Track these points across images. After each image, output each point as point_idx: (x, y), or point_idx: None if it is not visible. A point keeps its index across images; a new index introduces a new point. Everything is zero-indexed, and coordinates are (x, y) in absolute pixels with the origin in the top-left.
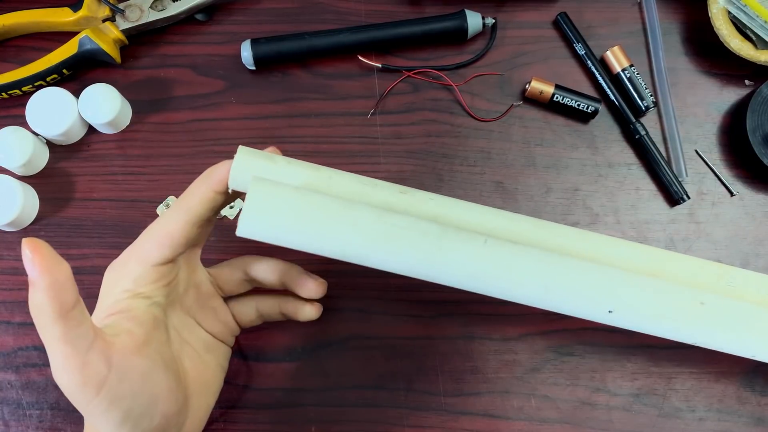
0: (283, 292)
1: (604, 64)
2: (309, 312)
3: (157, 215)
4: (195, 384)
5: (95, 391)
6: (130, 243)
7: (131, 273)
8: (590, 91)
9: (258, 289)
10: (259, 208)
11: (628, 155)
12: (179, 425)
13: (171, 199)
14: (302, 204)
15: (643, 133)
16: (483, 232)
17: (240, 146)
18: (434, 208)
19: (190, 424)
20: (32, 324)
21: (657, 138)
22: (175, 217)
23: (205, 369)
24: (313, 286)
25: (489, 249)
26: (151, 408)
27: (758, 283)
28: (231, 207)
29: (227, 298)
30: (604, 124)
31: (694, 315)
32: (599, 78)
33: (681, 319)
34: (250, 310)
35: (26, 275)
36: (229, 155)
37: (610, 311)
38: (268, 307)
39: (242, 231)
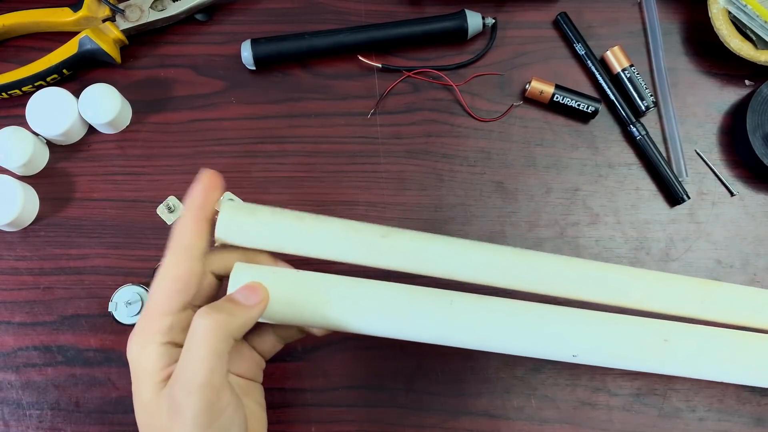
0: None
1: (604, 64)
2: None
3: (157, 215)
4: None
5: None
6: (130, 243)
7: (162, 326)
8: (590, 91)
9: None
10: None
11: (628, 155)
12: None
13: (171, 199)
14: (281, 286)
15: (643, 133)
16: (465, 270)
17: (222, 200)
18: (416, 250)
19: None
20: (32, 324)
21: (657, 138)
22: (177, 260)
23: (249, 413)
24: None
25: (455, 308)
26: None
27: (741, 298)
28: None
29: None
30: (604, 124)
31: (658, 352)
32: (599, 78)
33: (646, 356)
34: (269, 337)
35: (26, 275)
36: (230, 155)
37: (574, 355)
38: (285, 329)
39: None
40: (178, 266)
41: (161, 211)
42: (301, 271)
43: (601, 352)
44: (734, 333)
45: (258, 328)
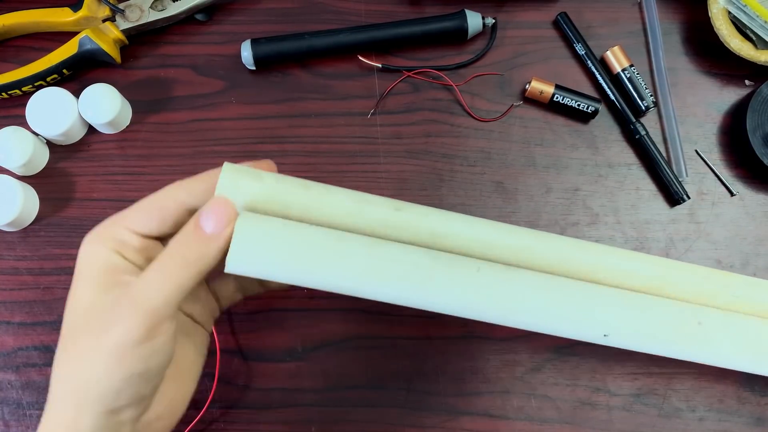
0: None
1: (604, 64)
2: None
3: None
4: (170, 368)
5: (154, 331)
6: None
7: (122, 237)
8: (590, 91)
9: None
10: (246, 245)
11: (628, 155)
12: (143, 408)
13: None
14: (291, 239)
15: (643, 133)
16: (481, 249)
17: (225, 163)
18: (431, 225)
19: (164, 411)
20: (32, 324)
21: (657, 138)
22: (172, 194)
23: (183, 353)
24: None
25: (482, 277)
26: (160, 372)
27: (763, 291)
28: None
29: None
30: (604, 124)
31: (692, 335)
32: (599, 78)
33: (679, 339)
34: (229, 284)
35: (26, 275)
36: (230, 155)
37: (605, 335)
38: (248, 280)
39: (230, 268)
40: (168, 202)
41: None
42: (313, 228)
43: (634, 333)
44: None
45: (222, 274)
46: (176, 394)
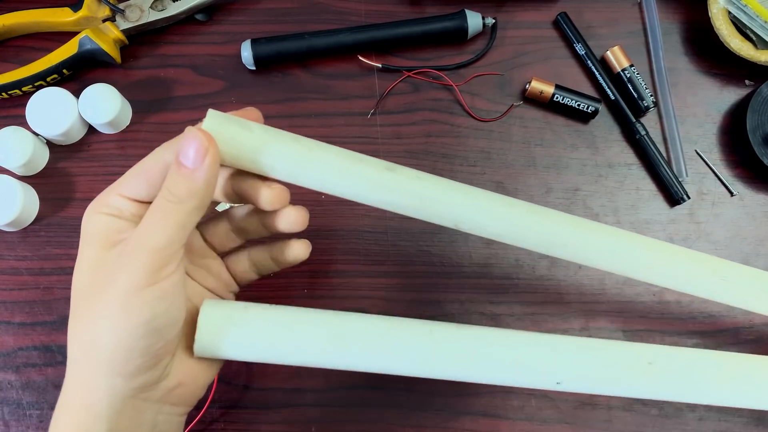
0: (273, 238)
1: (604, 64)
2: (297, 250)
3: None
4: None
5: (161, 273)
6: None
7: (117, 202)
8: (590, 91)
9: (250, 242)
10: (209, 333)
11: (628, 155)
12: (159, 372)
13: None
14: (251, 324)
15: (643, 133)
16: (470, 215)
17: (210, 110)
18: (421, 189)
19: (186, 378)
20: (32, 324)
21: (657, 138)
22: (158, 156)
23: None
24: (293, 213)
25: (435, 338)
26: (171, 326)
27: (751, 278)
28: (232, 207)
29: (222, 256)
30: (604, 124)
31: (643, 375)
32: (599, 78)
33: (630, 381)
34: (244, 261)
35: (26, 275)
36: None
37: (558, 383)
38: (260, 255)
39: (198, 353)
40: (154, 165)
41: None
42: (272, 306)
43: (585, 380)
44: (721, 354)
45: (236, 251)
46: (197, 360)
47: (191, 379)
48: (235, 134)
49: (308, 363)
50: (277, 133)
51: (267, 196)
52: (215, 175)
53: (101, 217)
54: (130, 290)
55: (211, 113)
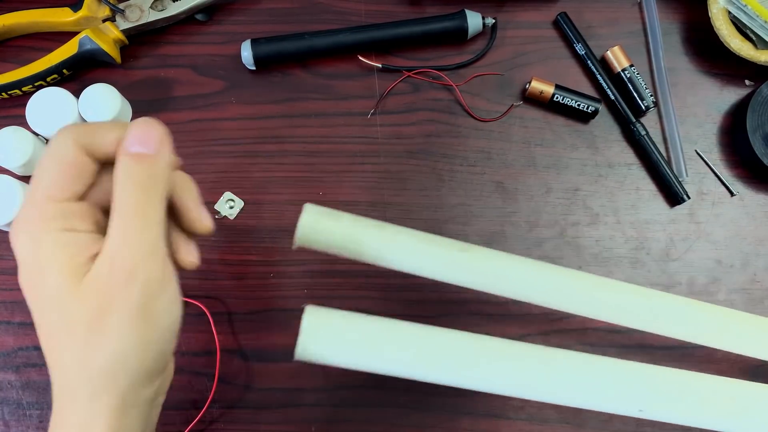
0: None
1: (604, 64)
2: (189, 256)
3: None
4: None
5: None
6: None
7: (57, 212)
8: (590, 91)
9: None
10: (312, 337)
11: (628, 155)
12: (163, 378)
13: None
14: (350, 331)
15: (643, 133)
16: (542, 295)
17: (307, 204)
18: (493, 267)
19: (162, 386)
20: (32, 324)
21: (657, 138)
22: (74, 144)
23: None
24: (204, 219)
25: (528, 363)
26: (179, 321)
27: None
28: (231, 207)
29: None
30: (604, 124)
31: (727, 410)
32: (599, 78)
33: (713, 413)
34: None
35: None
36: (230, 155)
37: (640, 410)
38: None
39: (299, 355)
40: (73, 151)
41: None
42: (369, 316)
43: (667, 410)
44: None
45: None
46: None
47: (164, 387)
48: (329, 226)
49: (403, 374)
50: (363, 222)
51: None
52: (170, 158)
53: (56, 235)
54: (149, 294)
55: (308, 208)
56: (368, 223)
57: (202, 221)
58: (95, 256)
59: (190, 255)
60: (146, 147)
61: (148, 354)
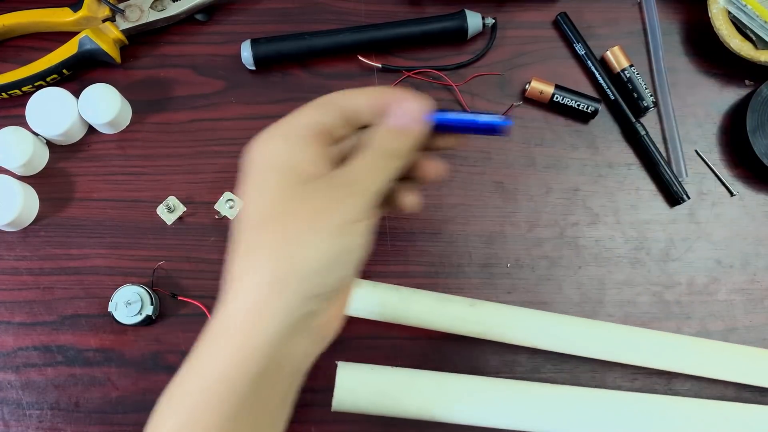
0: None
1: (604, 64)
2: (413, 201)
3: (157, 215)
4: None
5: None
6: (130, 243)
7: (312, 122)
8: (590, 91)
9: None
10: (346, 390)
11: (628, 155)
12: (330, 301)
13: (171, 199)
14: (378, 382)
15: (643, 133)
16: (548, 343)
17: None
18: (501, 320)
19: (333, 315)
20: (32, 324)
21: (657, 138)
22: (352, 97)
23: None
24: (434, 168)
25: (535, 402)
26: (361, 258)
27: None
28: (231, 207)
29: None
30: (604, 124)
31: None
32: (599, 78)
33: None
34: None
35: (26, 275)
36: (230, 155)
37: None
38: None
39: (336, 408)
40: (354, 104)
41: (161, 211)
42: (389, 368)
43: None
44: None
45: None
46: (345, 296)
47: (333, 316)
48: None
49: (423, 418)
50: (381, 286)
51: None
52: (419, 141)
53: (285, 144)
54: (348, 221)
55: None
56: (386, 287)
57: (435, 171)
58: (318, 177)
59: (413, 198)
60: (408, 123)
61: (328, 263)
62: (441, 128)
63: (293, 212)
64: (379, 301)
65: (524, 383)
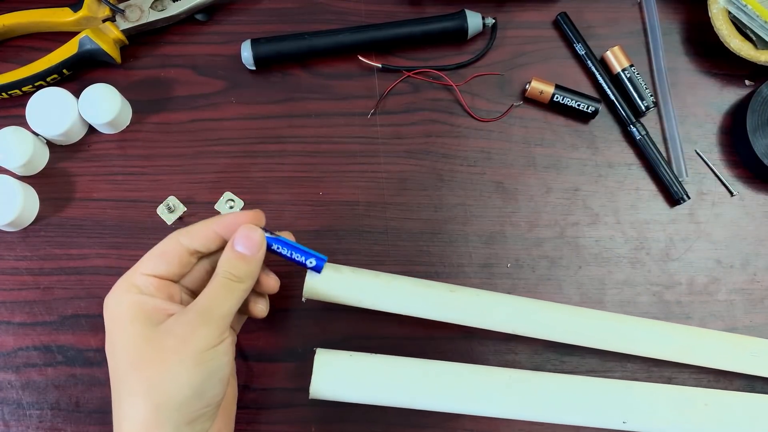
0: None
1: (604, 64)
2: (262, 309)
3: (157, 215)
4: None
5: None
6: (130, 243)
7: (136, 282)
8: (590, 91)
9: None
10: (323, 377)
11: (628, 155)
12: (213, 419)
13: (171, 199)
14: (356, 369)
15: (643, 133)
16: (524, 326)
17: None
18: (479, 303)
19: (222, 426)
20: (32, 324)
21: (657, 138)
22: (174, 240)
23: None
24: (272, 282)
25: (514, 388)
26: (230, 375)
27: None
28: (231, 207)
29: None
30: (604, 124)
31: (700, 415)
32: (599, 78)
33: (689, 419)
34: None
35: (26, 275)
36: (230, 155)
37: (624, 422)
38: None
39: (313, 395)
40: (170, 248)
41: (161, 211)
42: (370, 355)
43: (649, 419)
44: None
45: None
46: (228, 405)
47: (222, 427)
48: (332, 278)
49: (403, 405)
50: (361, 272)
51: (271, 285)
52: (262, 261)
53: (133, 296)
54: (205, 347)
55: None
56: (365, 272)
57: (274, 286)
58: (169, 316)
59: (262, 307)
60: (248, 250)
61: (197, 391)
62: (271, 251)
63: (157, 352)
64: (358, 287)
65: (508, 370)
